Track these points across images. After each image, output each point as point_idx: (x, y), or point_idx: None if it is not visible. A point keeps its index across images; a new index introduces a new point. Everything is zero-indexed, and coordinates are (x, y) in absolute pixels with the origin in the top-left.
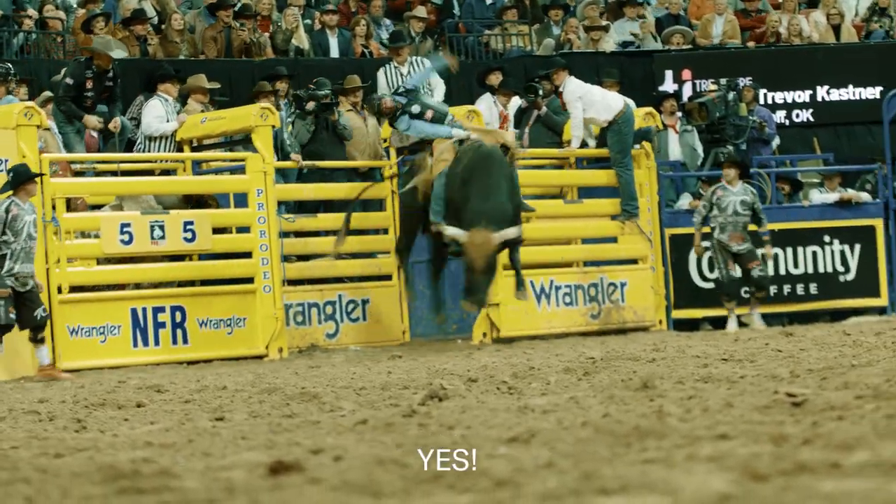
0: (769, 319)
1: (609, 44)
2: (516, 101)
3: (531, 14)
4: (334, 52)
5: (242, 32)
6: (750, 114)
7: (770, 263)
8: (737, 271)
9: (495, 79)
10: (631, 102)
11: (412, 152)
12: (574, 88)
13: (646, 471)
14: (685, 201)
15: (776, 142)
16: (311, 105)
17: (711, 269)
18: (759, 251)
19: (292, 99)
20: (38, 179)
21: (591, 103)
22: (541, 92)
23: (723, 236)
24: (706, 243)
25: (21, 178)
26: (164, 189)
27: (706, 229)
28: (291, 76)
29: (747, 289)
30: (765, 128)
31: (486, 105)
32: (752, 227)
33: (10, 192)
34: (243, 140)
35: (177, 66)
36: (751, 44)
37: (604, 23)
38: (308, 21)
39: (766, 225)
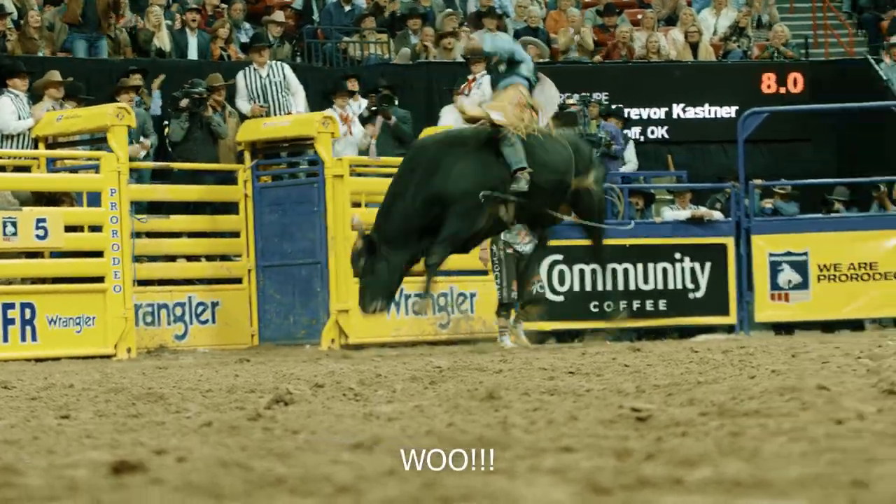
0: (618, 334)
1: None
2: (356, 105)
3: (389, 22)
4: (193, 54)
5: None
6: (598, 129)
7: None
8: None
9: (352, 86)
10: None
11: (267, 156)
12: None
13: (488, 481)
14: None
15: (633, 163)
16: (184, 102)
17: (562, 283)
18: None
19: (170, 99)
20: None
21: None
22: (396, 102)
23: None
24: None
25: None
26: (16, 186)
27: None
28: (145, 73)
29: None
30: (612, 145)
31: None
32: None
33: None
34: (99, 139)
35: (34, 64)
36: (597, 58)
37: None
38: (169, 21)
39: None
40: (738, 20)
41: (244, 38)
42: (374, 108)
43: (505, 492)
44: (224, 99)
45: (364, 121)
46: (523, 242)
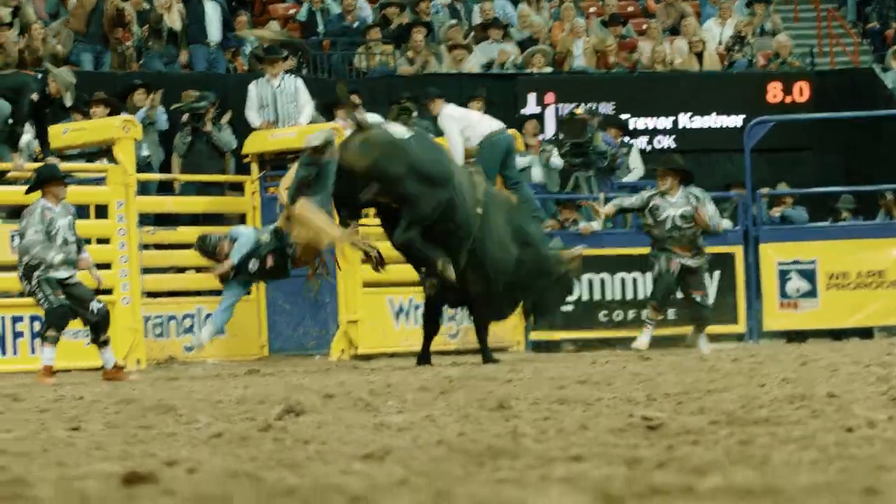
0: (627, 345)
1: (473, 65)
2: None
3: (395, 34)
4: (200, 66)
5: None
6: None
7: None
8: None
9: (356, 99)
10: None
11: (275, 167)
12: (451, 112)
13: (499, 490)
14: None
15: (639, 170)
16: (185, 117)
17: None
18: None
19: (171, 114)
20: (64, 181)
21: (469, 128)
22: (414, 114)
23: (661, 259)
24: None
25: (43, 179)
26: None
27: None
28: (149, 87)
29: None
30: (616, 158)
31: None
32: None
33: (39, 194)
34: (105, 152)
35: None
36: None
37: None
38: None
39: (718, 227)
40: (740, 29)
41: (247, 51)
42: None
43: (516, 501)
44: (215, 112)
45: None
46: (686, 257)
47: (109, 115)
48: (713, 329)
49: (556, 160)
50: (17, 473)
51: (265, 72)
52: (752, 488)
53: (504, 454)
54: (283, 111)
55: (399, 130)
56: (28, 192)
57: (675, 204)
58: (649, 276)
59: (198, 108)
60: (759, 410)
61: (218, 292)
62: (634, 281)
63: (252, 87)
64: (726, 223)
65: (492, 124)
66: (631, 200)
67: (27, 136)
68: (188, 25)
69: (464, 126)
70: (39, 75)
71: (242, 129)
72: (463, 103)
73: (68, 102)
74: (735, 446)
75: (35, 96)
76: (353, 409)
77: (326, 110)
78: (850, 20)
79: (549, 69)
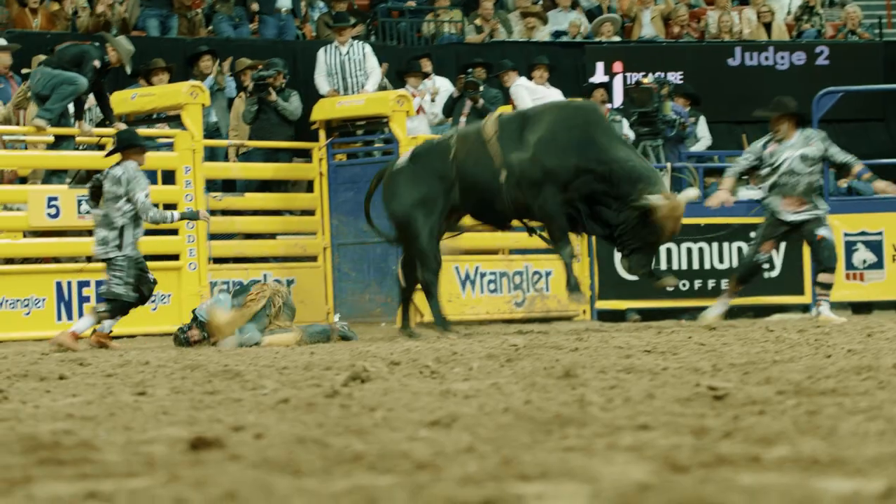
0: (694, 313)
1: (542, 33)
2: (442, 87)
3: (463, 0)
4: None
5: None
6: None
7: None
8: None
9: (427, 65)
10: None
11: (342, 135)
12: (524, 83)
13: (566, 458)
14: None
15: (707, 139)
16: (250, 85)
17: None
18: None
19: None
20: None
21: (540, 100)
22: (481, 87)
23: (775, 202)
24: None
25: (125, 144)
26: (91, 164)
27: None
28: (215, 53)
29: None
30: (686, 127)
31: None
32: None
33: (119, 158)
34: (172, 117)
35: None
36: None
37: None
38: None
39: (857, 164)
40: (808, 0)
41: (315, 16)
42: (461, 92)
43: (583, 469)
44: (283, 79)
45: (453, 102)
46: (793, 212)
47: (170, 81)
48: (780, 300)
49: (627, 131)
50: (84, 437)
51: (333, 38)
52: (818, 458)
53: (571, 422)
54: (352, 78)
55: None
56: (108, 154)
57: (794, 145)
58: (715, 245)
59: (264, 76)
60: (826, 381)
61: (283, 259)
62: (701, 251)
63: (321, 54)
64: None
65: (560, 98)
66: (745, 161)
67: (89, 102)
68: None
69: (536, 98)
70: (97, 44)
71: (311, 95)
72: (528, 71)
73: (129, 70)
74: (801, 417)
75: (97, 63)
76: (419, 376)
77: (398, 77)
78: None
79: (617, 38)
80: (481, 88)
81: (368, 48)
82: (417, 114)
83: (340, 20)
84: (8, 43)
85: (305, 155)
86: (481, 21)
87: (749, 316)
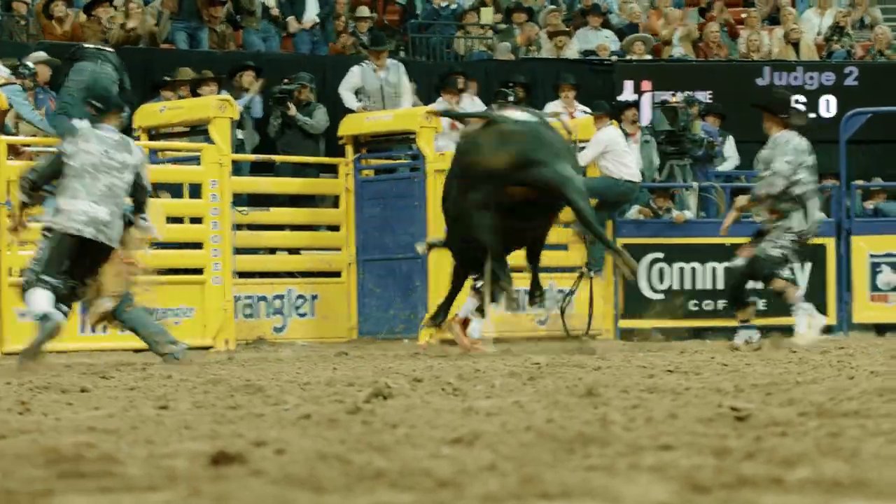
0: (717, 335)
1: (571, 51)
2: (469, 103)
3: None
4: (303, 48)
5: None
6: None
7: None
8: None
9: (461, 82)
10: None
11: (369, 150)
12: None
13: (588, 478)
14: (635, 210)
15: (734, 158)
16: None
17: (661, 281)
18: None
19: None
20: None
21: (616, 155)
22: (511, 98)
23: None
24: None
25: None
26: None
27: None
28: (259, 71)
29: None
30: (715, 146)
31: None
32: None
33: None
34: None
35: (143, 55)
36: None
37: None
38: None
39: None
40: (838, 20)
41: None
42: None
43: (605, 489)
44: (310, 93)
45: None
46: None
47: (192, 95)
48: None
49: (649, 149)
50: (106, 450)
51: (370, 60)
52: (841, 481)
53: (593, 441)
54: (388, 100)
55: (522, 115)
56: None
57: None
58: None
59: (287, 90)
60: (849, 403)
61: (308, 274)
62: (726, 271)
63: (356, 70)
64: (820, 215)
65: (634, 170)
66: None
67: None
68: (283, 4)
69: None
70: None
71: (340, 110)
72: (554, 90)
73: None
74: (824, 438)
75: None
76: (441, 393)
77: (435, 92)
78: None
79: (647, 56)
80: (511, 98)
81: (402, 67)
82: (452, 129)
83: (378, 42)
84: (48, 57)
85: (333, 170)
86: (521, 40)
87: (774, 336)
